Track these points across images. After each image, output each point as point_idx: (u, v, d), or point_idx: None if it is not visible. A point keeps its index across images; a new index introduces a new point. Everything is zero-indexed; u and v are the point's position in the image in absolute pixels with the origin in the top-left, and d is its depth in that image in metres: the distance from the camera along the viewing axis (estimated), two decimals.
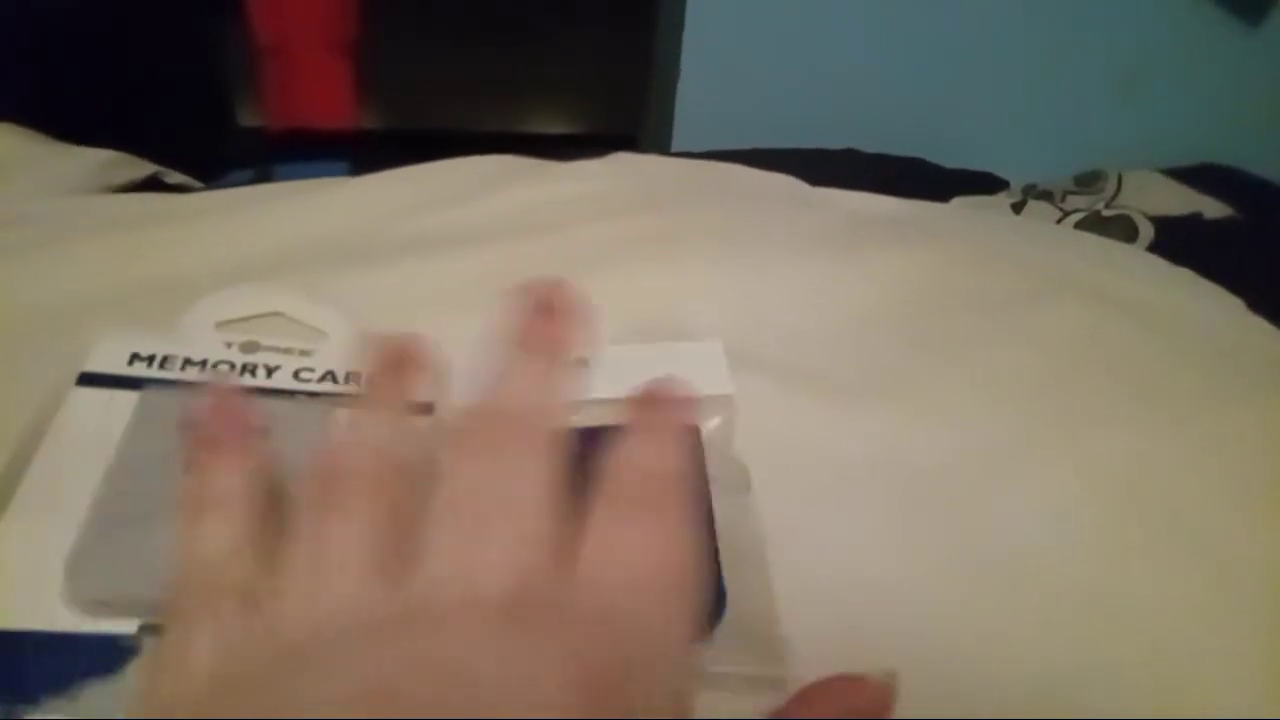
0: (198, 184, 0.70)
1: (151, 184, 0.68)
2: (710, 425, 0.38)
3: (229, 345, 0.39)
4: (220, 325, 0.40)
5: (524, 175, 0.54)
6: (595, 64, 1.21)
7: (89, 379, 0.36)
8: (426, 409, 0.37)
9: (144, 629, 0.29)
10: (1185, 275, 0.54)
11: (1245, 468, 0.40)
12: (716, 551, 0.34)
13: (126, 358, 0.37)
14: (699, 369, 0.41)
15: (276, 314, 0.41)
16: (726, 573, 0.33)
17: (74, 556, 0.30)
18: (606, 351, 0.41)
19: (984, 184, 0.87)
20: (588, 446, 0.35)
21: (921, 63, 1.06)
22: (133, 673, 0.28)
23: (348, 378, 0.38)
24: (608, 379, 0.39)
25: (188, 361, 0.38)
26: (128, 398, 0.36)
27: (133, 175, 0.67)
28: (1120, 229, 0.80)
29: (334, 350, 0.40)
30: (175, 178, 0.71)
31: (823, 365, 0.43)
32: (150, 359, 0.37)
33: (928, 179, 0.85)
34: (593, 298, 0.44)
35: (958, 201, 0.80)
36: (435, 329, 0.41)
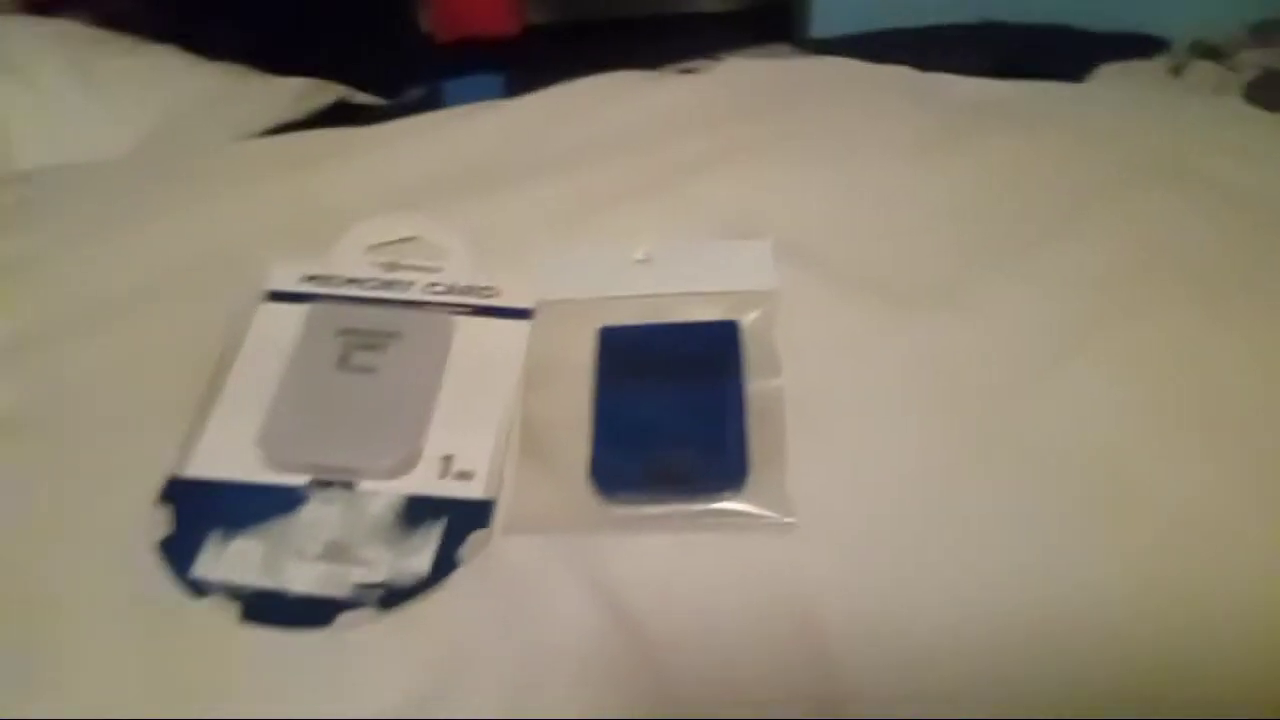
0: (379, 102, 0.81)
1: (339, 107, 0.79)
2: (750, 317, 0.45)
3: (375, 265, 0.49)
4: (370, 249, 0.50)
5: (631, 91, 0.60)
6: None
7: (274, 296, 0.48)
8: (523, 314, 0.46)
9: (313, 482, 0.41)
10: None
11: None
12: (745, 427, 0.41)
13: (299, 278, 0.48)
14: (746, 265, 0.47)
15: (412, 238, 0.50)
16: (751, 442, 0.40)
17: (264, 431, 0.42)
18: (667, 249, 0.48)
19: (1138, 47, 0.82)
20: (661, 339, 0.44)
21: None
22: (304, 513, 0.40)
23: (466, 289, 0.48)
24: (666, 273, 0.47)
25: (346, 279, 0.48)
26: (300, 310, 0.47)
27: (323, 100, 0.78)
28: None
29: (457, 267, 0.49)
30: (360, 98, 0.81)
31: (879, 267, 0.47)
32: (315, 278, 0.48)
33: (1073, 47, 0.82)
34: (676, 205, 0.51)
35: (1104, 70, 0.77)
36: (543, 247, 0.50)
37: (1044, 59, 0.78)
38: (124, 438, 0.43)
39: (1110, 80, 0.75)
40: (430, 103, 0.83)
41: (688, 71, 0.66)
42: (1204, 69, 0.82)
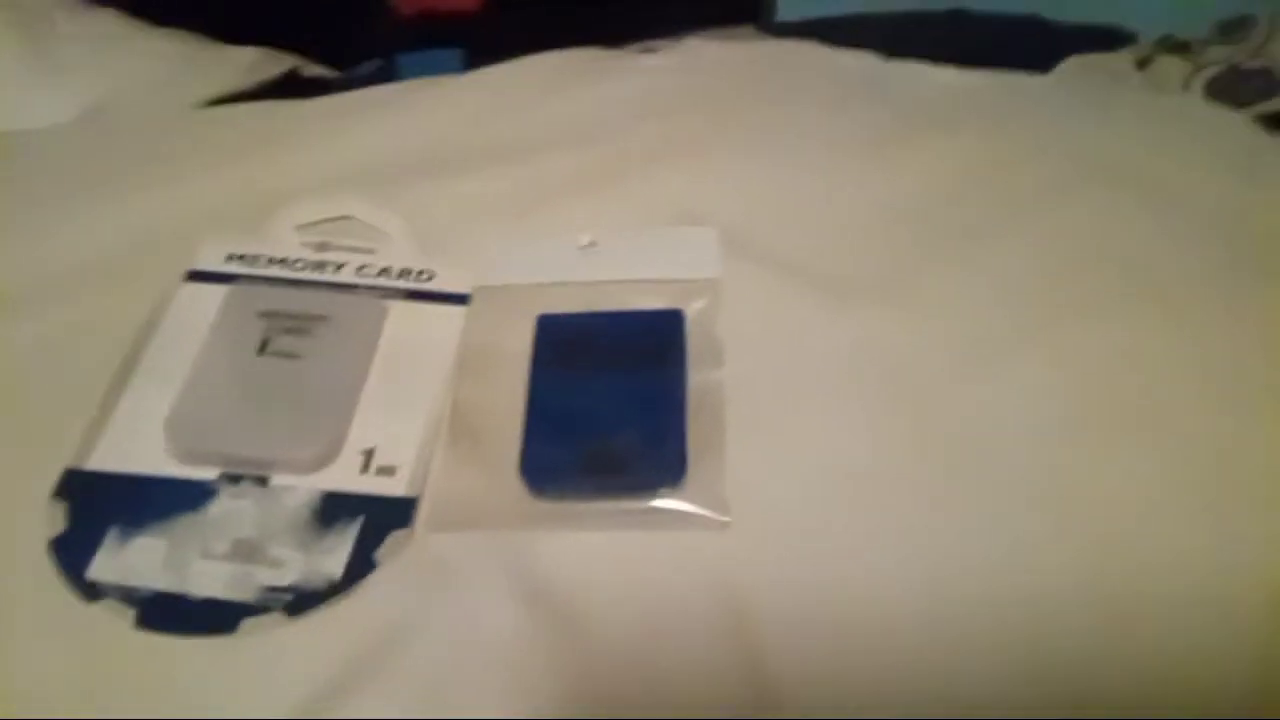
0: (331, 74, 0.78)
1: (291, 78, 0.76)
2: (695, 306, 0.42)
3: (304, 245, 0.46)
4: (299, 228, 0.47)
5: (586, 73, 0.58)
6: None
7: (194, 276, 0.45)
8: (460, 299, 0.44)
9: (223, 476, 0.38)
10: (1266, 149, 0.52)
11: (1228, 361, 0.40)
12: (685, 420, 0.39)
13: (224, 257, 0.45)
14: (691, 253, 0.45)
15: (347, 218, 0.48)
16: (690, 436, 0.38)
17: (171, 418, 0.39)
18: (611, 236, 0.46)
19: (1106, 40, 0.81)
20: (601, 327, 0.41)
21: None
22: (213, 508, 0.37)
23: (401, 273, 0.45)
24: (610, 260, 0.45)
25: (270, 259, 0.45)
26: (222, 291, 0.44)
27: (274, 71, 0.75)
28: (1256, 84, 0.74)
29: (394, 249, 0.46)
30: (311, 70, 0.78)
31: (825, 260, 0.45)
32: (241, 258, 0.45)
33: (1040, 39, 0.81)
34: (624, 195, 0.49)
35: (1070, 62, 0.75)
36: (485, 234, 0.47)
37: (1012, 50, 0.76)
38: (24, 427, 0.40)
39: (1074, 73, 0.74)
40: (385, 76, 0.80)
41: (647, 51, 0.64)
42: (1169, 63, 0.81)
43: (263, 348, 0.41)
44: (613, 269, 0.45)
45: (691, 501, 0.37)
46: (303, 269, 0.45)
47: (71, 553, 0.36)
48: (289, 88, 0.72)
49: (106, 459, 0.39)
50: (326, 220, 0.48)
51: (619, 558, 0.36)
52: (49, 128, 0.65)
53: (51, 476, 0.38)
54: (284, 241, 0.46)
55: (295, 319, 0.42)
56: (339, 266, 0.45)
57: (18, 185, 0.52)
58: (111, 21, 0.76)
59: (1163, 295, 0.43)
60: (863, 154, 0.51)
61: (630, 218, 0.48)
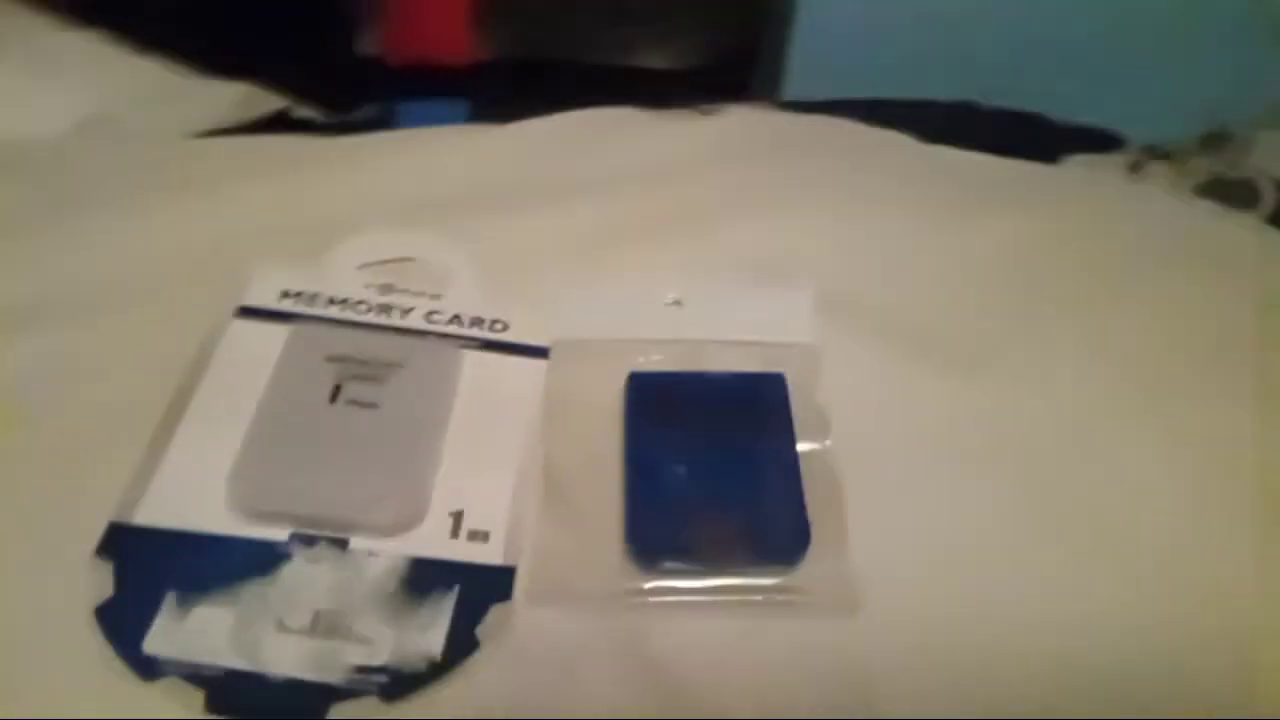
0: (323, 118, 0.74)
1: (281, 118, 0.73)
2: (794, 370, 0.40)
3: (368, 286, 0.42)
4: (362, 267, 0.43)
5: (637, 127, 0.56)
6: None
7: (246, 312, 0.41)
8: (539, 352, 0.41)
9: (294, 537, 0.34)
10: None
11: None
12: (801, 491, 0.36)
13: (278, 293, 0.41)
14: (785, 316, 0.43)
15: (410, 259, 0.44)
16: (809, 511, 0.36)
17: (236, 471, 0.34)
18: (699, 293, 0.44)
19: (1100, 142, 0.85)
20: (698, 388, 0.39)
21: (1044, 5, 1.02)
22: (285, 575, 0.33)
23: (474, 322, 0.42)
24: (698, 318, 0.42)
25: (331, 299, 0.41)
26: (279, 330, 0.40)
27: (264, 108, 0.72)
28: (1241, 193, 0.78)
29: (461, 295, 0.43)
30: (302, 112, 0.75)
31: (921, 325, 0.44)
32: (298, 295, 0.41)
33: (1041, 135, 0.83)
34: (697, 245, 0.47)
35: (1070, 160, 0.78)
36: (555, 276, 0.44)
37: (1015, 143, 0.78)
38: (57, 470, 0.35)
39: (1080, 170, 0.76)
40: (382, 123, 0.77)
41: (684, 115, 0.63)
42: (1157, 169, 0.85)
43: (335, 395, 0.37)
44: (701, 327, 0.43)
45: (816, 579, 0.35)
46: (367, 311, 0.41)
47: (122, 621, 0.31)
48: (278, 128, 0.69)
49: (156, 513, 0.34)
50: (391, 260, 0.44)
51: (737, 638, 0.33)
52: (44, 138, 0.61)
53: (93, 531, 0.33)
54: (345, 280, 0.42)
55: (368, 365, 0.38)
56: (406, 311, 0.42)
57: (25, 196, 0.47)
58: (96, 40, 0.72)
59: (1262, 373, 0.43)
60: (938, 223, 0.50)
61: (706, 268, 0.46)
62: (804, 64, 1.03)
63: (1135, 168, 0.83)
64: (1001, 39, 1.00)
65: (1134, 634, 0.34)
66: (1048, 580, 0.35)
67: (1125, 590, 0.35)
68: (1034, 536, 0.37)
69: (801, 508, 0.36)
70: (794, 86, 1.03)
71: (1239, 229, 0.57)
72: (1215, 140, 0.89)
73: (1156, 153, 0.86)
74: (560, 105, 0.60)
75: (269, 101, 0.73)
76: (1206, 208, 0.65)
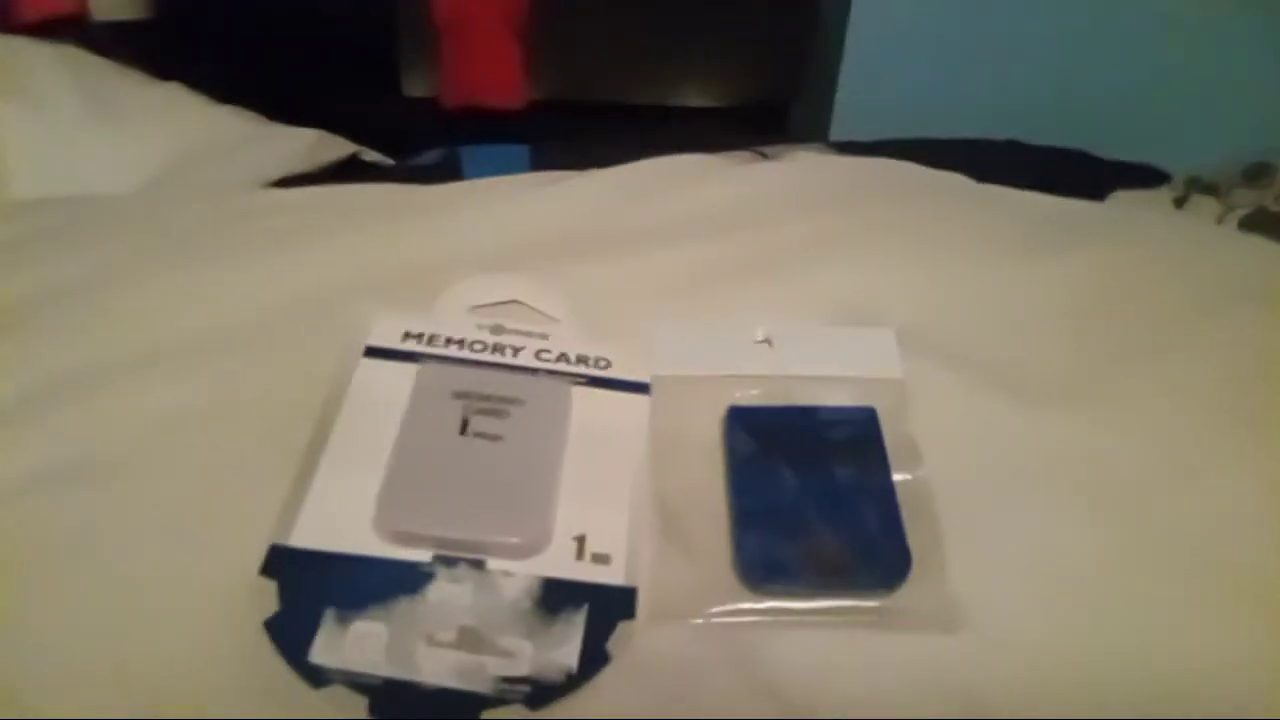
0: (389, 161, 0.78)
1: (352, 162, 0.76)
2: (884, 405, 0.43)
3: (480, 327, 0.46)
4: (471, 309, 0.47)
5: (718, 173, 0.60)
6: (755, 40, 1.25)
7: (372, 352, 0.44)
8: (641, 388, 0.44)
9: (437, 559, 0.37)
10: None
11: None
12: (900, 517, 0.39)
13: (400, 335, 0.45)
14: (871, 353, 0.46)
15: (515, 301, 0.48)
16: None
17: (381, 497, 0.37)
18: (787, 331, 0.46)
19: (1144, 177, 0.87)
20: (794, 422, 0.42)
21: (1086, 44, 1.04)
22: (431, 592, 0.36)
23: (579, 359, 0.45)
24: (788, 356, 0.45)
25: (449, 339, 0.45)
26: (404, 368, 0.43)
27: (336, 154, 0.76)
28: None
29: (565, 334, 0.46)
30: (370, 155, 0.79)
31: (1002, 361, 0.46)
32: (419, 336, 0.45)
33: (1088, 172, 0.86)
34: (785, 288, 0.50)
35: (1117, 197, 0.80)
36: (647, 316, 0.47)
37: (1061, 181, 0.81)
38: (216, 495, 0.38)
39: (1130, 207, 0.78)
40: (448, 166, 0.81)
41: (755, 158, 0.66)
42: (1203, 202, 0.87)
43: (464, 428, 0.40)
44: (792, 364, 0.45)
45: (918, 602, 0.37)
46: (482, 350, 0.45)
47: (289, 634, 0.34)
48: (350, 173, 0.73)
49: (310, 536, 0.37)
50: (497, 303, 0.47)
51: (846, 658, 0.36)
52: (127, 190, 0.64)
53: (254, 552, 0.36)
54: (459, 322, 0.46)
55: (490, 400, 0.41)
56: (517, 350, 0.45)
57: (131, 246, 0.51)
58: (173, 90, 0.76)
59: None
60: (1012, 262, 0.53)
61: (793, 310, 0.49)
62: (849, 106, 1.06)
63: (1180, 202, 0.86)
64: (1044, 78, 1.04)
65: (1234, 665, 0.36)
66: (1146, 611, 0.37)
67: (1224, 621, 0.37)
68: (1131, 567, 0.38)
69: (901, 532, 0.38)
70: (839, 128, 1.07)
71: None
72: (1258, 173, 0.92)
73: (1200, 186, 0.89)
74: (609, 146, 0.63)
75: (338, 146, 0.77)
76: (1259, 242, 0.67)
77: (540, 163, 0.67)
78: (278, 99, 0.79)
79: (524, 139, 0.90)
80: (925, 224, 0.55)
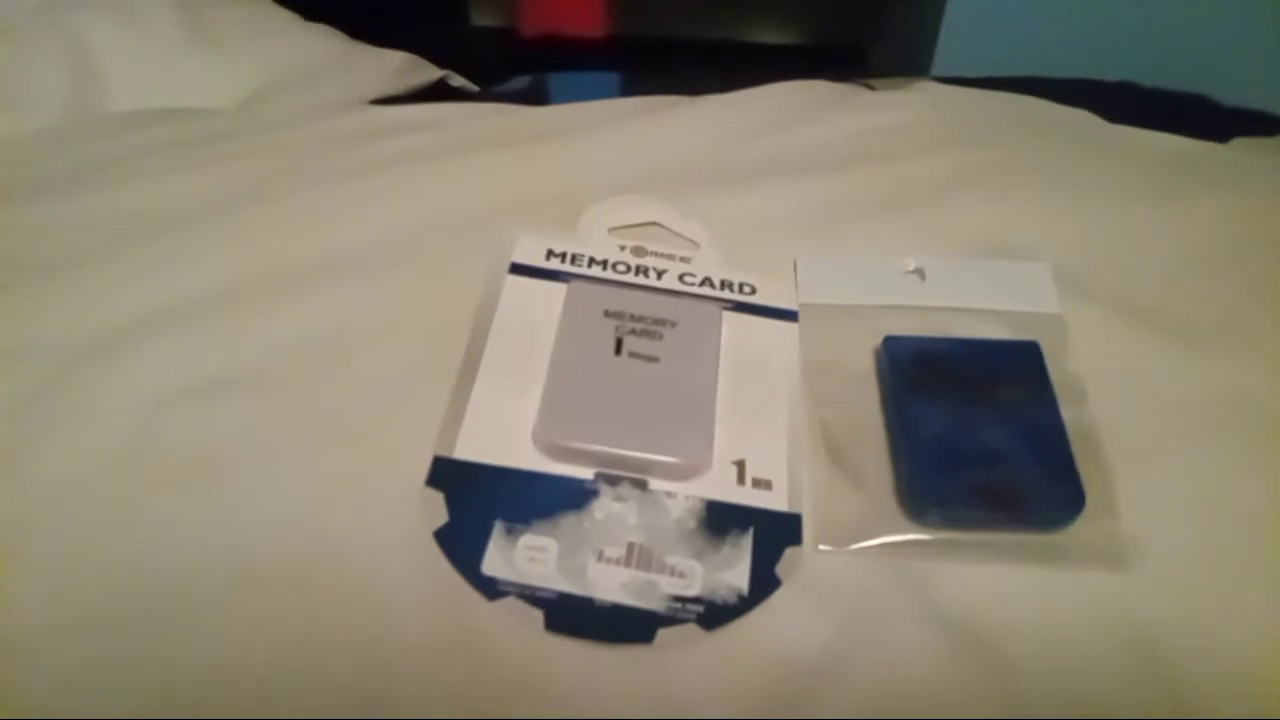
0: (474, 87, 0.76)
1: (440, 86, 0.75)
2: (1042, 340, 0.41)
3: (621, 248, 0.45)
4: (611, 230, 0.46)
5: (840, 103, 0.58)
6: None
7: (517, 269, 0.43)
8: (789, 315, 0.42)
9: (599, 476, 0.36)
10: None
11: None
12: (1071, 453, 0.38)
13: (544, 253, 0.44)
14: (1025, 287, 0.44)
15: (653, 224, 0.46)
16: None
17: (542, 410, 0.37)
18: (939, 263, 0.45)
19: (1264, 125, 0.83)
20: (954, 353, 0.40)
21: None
22: (596, 509, 0.35)
23: (723, 284, 0.44)
24: (941, 287, 0.44)
25: (591, 260, 0.44)
26: (551, 287, 0.42)
27: (425, 78, 0.74)
28: None
29: (707, 259, 0.45)
30: (457, 80, 0.77)
31: (1157, 303, 0.45)
32: (563, 255, 0.44)
33: (1206, 117, 0.82)
34: (927, 223, 0.48)
35: (1237, 143, 0.77)
36: (788, 245, 0.46)
37: (1183, 124, 0.78)
38: (376, 407, 0.37)
39: (1255, 150, 0.75)
40: (535, 93, 0.79)
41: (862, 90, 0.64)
42: None
43: (619, 348, 0.39)
44: (944, 296, 0.44)
45: (1089, 538, 0.36)
46: (626, 272, 0.43)
47: (460, 545, 0.33)
48: (435, 97, 0.71)
49: (473, 449, 0.36)
50: (635, 225, 0.46)
51: (1018, 592, 0.35)
52: (223, 107, 0.63)
53: (420, 464, 0.36)
54: (601, 243, 0.45)
55: (643, 321, 0.40)
56: (660, 273, 0.44)
57: (254, 166, 0.50)
58: (266, 9, 0.74)
59: None
60: (1154, 201, 0.50)
61: (935, 245, 0.47)
62: (953, 42, 1.03)
63: None
64: (1160, 20, 1.00)
65: None
66: None
67: None
68: None
69: (1074, 468, 0.37)
70: (943, 64, 1.04)
71: None
72: None
73: None
74: (691, 80, 0.61)
75: (426, 70, 0.76)
76: None
77: (630, 92, 0.66)
78: (344, 27, 0.78)
79: (603, 69, 0.88)
80: (1062, 161, 0.53)
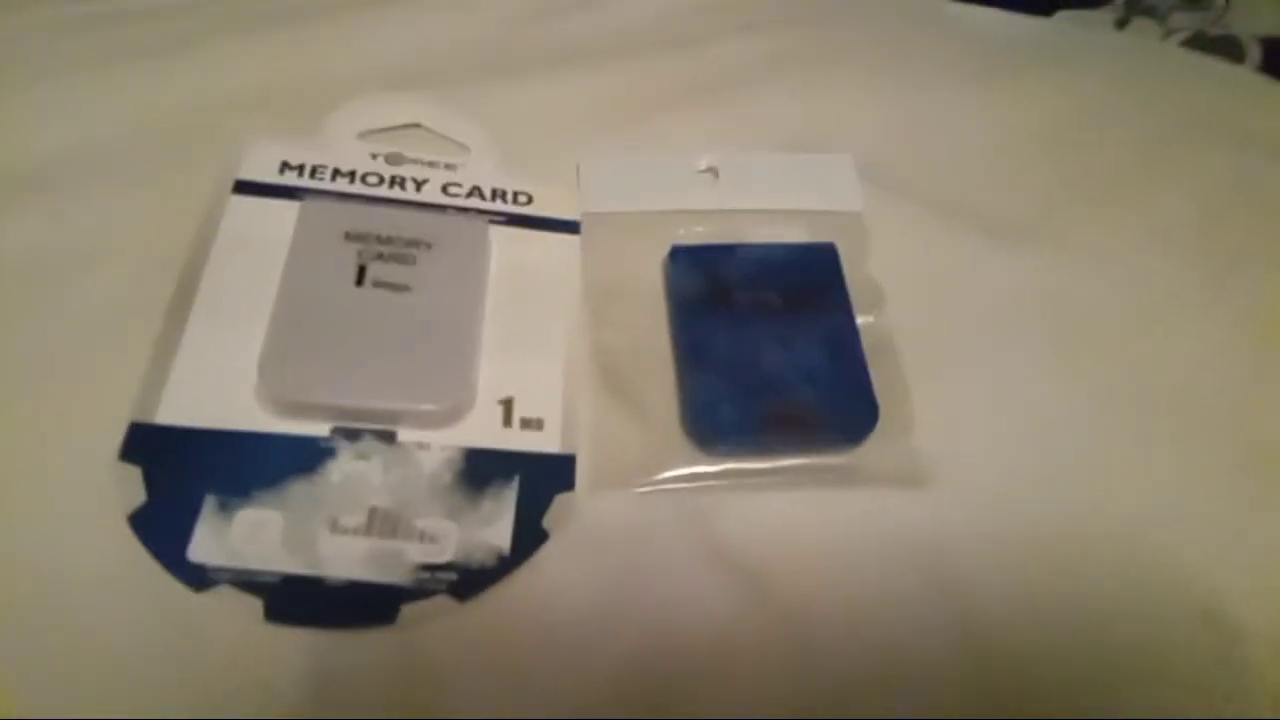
0: None
1: None
2: (841, 241, 0.38)
3: (374, 156, 0.39)
4: (362, 135, 0.39)
5: None
6: None
7: (243, 186, 0.37)
8: (569, 226, 0.38)
9: (336, 431, 0.31)
10: None
11: None
12: (865, 365, 0.35)
13: (277, 166, 0.37)
14: (827, 183, 0.41)
15: (416, 125, 0.40)
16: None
17: (264, 362, 0.31)
18: (734, 160, 0.41)
19: None
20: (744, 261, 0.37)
21: None
22: (333, 471, 0.30)
23: (495, 195, 0.38)
24: (735, 187, 0.40)
25: (336, 172, 0.38)
26: (282, 206, 0.36)
27: None
28: (1226, 50, 0.76)
29: (478, 165, 0.39)
30: None
31: (966, 197, 0.42)
32: (299, 168, 0.37)
33: None
34: (731, 114, 0.44)
35: (1060, 16, 0.76)
36: (575, 145, 0.41)
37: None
38: (72, 357, 0.31)
39: (1079, 26, 0.74)
40: None
41: None
42: (1143, 25, 0.83)
43: (360, 277, 0.34)
44: (739, 196, 0.40)
45: (883, 457, 0.33)
46: (379, 184, 0.38)
47: (161, 529, 0.28)
48: None
49: (179, 411, 0.31)
50: (393, 128, 0.40)
51: (807, 518, 0.33)
52: None
53: (112, 432, 0.30)
54: (348, 150, 0.38)
55: (391, 243, 0.35)
56: (420, 183, 0.38)
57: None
58: None
59: None
60: (975, 87, 0.48)
61: (737, 139, 0.43)
62: None
63: (1122, 24, 0.81)
64: None
65: (1204, 507, 0.34)
66: (1116, 456, 0.35)
67: (1193, 464, 0.35)
68: (1100, 412, 0.36)
69: (868, 383, 0.34)
70: None
71: (1257, 90, 0.55)
72: None
73: (1140, 8, 0.84)
74: None
75: None
76: (1218, 65, 0.63)
77: None
78: None
79: None
80: (886, 44, 0.49)
